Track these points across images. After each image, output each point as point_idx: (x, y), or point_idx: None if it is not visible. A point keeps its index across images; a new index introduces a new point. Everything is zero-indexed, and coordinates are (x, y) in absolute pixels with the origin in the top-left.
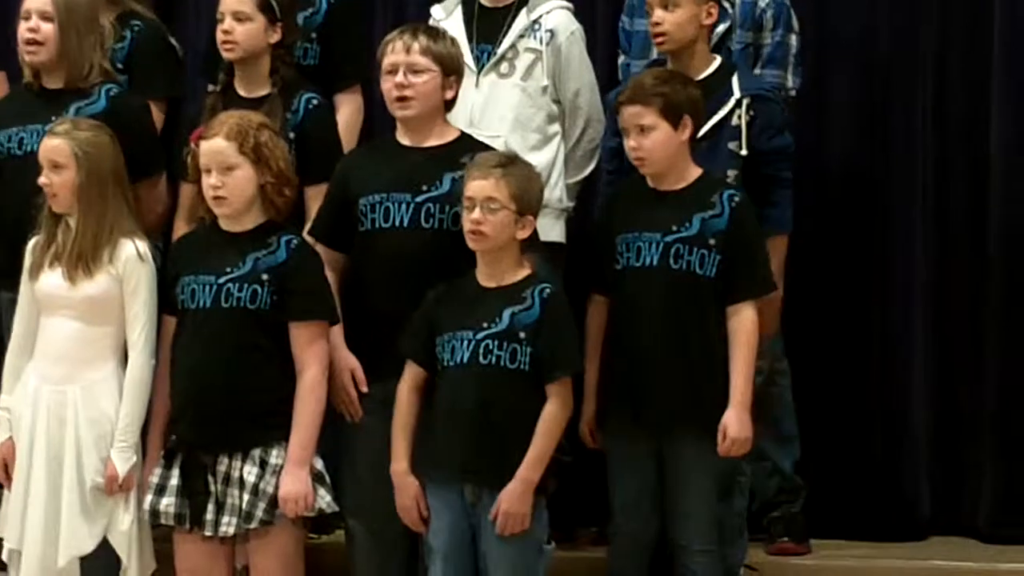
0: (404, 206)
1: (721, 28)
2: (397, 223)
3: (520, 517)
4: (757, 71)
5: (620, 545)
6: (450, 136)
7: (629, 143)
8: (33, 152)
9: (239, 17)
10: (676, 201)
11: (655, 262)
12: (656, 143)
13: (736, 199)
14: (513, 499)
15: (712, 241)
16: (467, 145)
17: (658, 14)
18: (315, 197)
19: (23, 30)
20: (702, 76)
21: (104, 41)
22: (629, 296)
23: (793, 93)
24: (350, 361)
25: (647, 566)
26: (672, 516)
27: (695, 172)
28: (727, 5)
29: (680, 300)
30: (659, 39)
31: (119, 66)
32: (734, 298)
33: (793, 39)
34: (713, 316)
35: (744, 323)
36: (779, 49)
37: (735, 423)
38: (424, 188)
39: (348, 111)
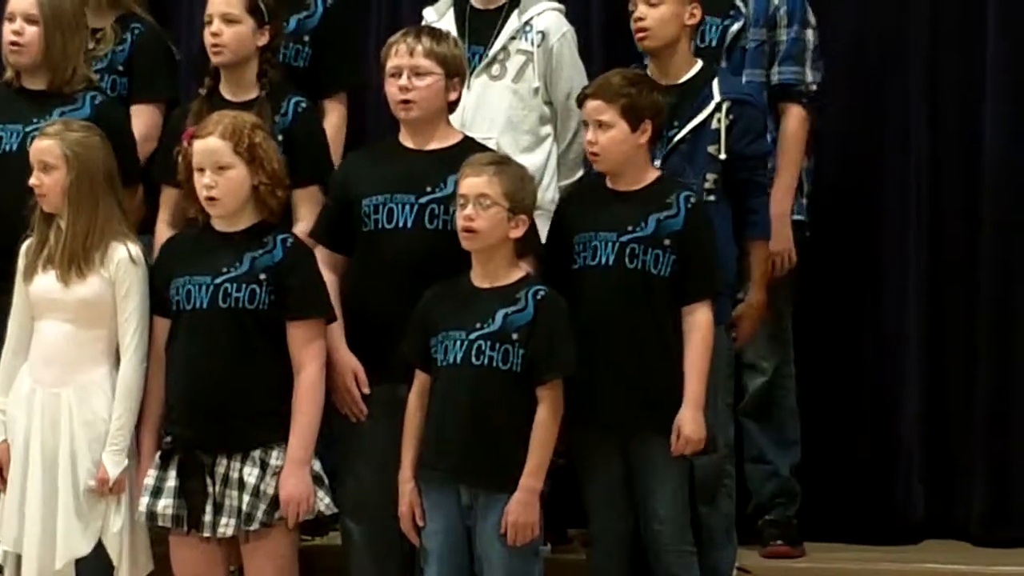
0: (407, 207)
1: (735, 27)
2: (400, 224)
3: (529, 526)
4: (775, 68)
5: (597, 546)
6: (453, 139)
7: (587, 136)
8: (11, 152)
9: (228, 19)
10: (632, 201)
11: (610, 261)
12: (612, 141)
13: (692, 200)
14: (520, 509)
15: (667, 241)
16: (470, 148)
17: (641, 9)
18: (304, 199)
19: (7, 32)
20: (683, 79)
21: (88, 45)
22: (585, 295)
23: (814, 88)
24: (352, 362)
25: (628, 566)
26: (644, 518)
27: (652, 174)
28: (740, 4)
29: (635, 300)
30: (640, 35)
31: (119, 68)
32: (688, 298)
33: (810, 34)
34: (668, 316)
35: (698, 323)
36: (795, 45)
37: (689, 422)
38: (428, 189)
39: (335, 117)
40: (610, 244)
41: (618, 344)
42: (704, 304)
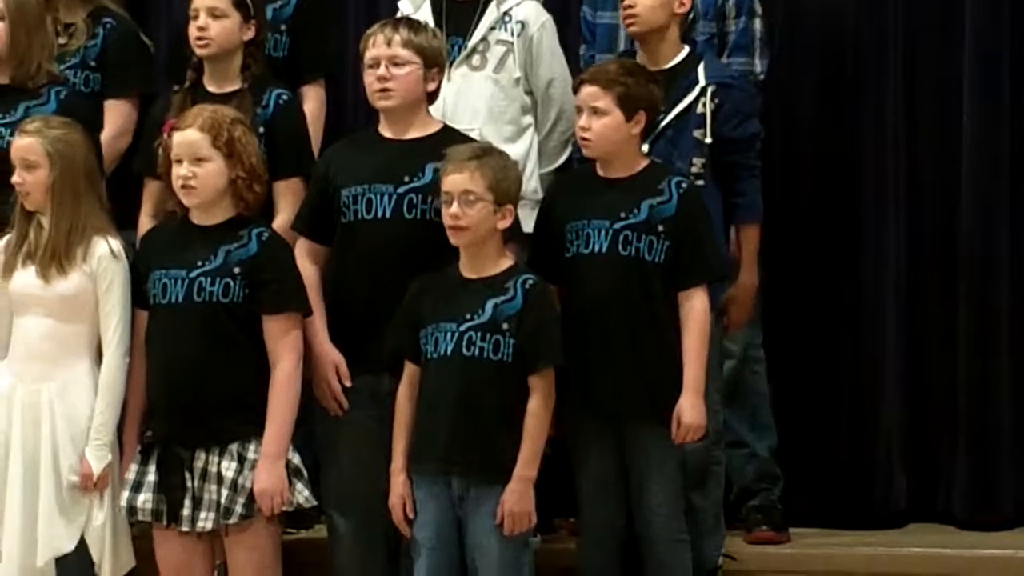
0: (386, 197)
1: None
2: (379, 214)
3: (525, 515)
4: (724, 60)
5: (589, 536)
6: (432, 128)
7: (580, 122)
8: None
9: (214, 14)
10: (624, 188)
11: (604, 249)
12: (606, 128)
13: (683, 186)
14: (515, 499)
15: (660, 227)
16: (450, 137)
17: None
18: (284, 191)
19: None
20: (670, 64)
21: (57, 41)
22: (579, 284)
23: (762, 77)
24: (333, 355)
25: (619, 556)
26: (636, 507)
27: (643, 162)
28: None
29: (629, 287)
30: (629, 20)
31: (92, 63)
32: (684, 284)
33: (757, 24)
34: (663, 302)
35: (695, 309)
36: (744, 36)
37: (689, 409)
38: (406, 179)
39: (313, 104)
40: (603, 232)
41: (613, 332)
42: (700, 289)
